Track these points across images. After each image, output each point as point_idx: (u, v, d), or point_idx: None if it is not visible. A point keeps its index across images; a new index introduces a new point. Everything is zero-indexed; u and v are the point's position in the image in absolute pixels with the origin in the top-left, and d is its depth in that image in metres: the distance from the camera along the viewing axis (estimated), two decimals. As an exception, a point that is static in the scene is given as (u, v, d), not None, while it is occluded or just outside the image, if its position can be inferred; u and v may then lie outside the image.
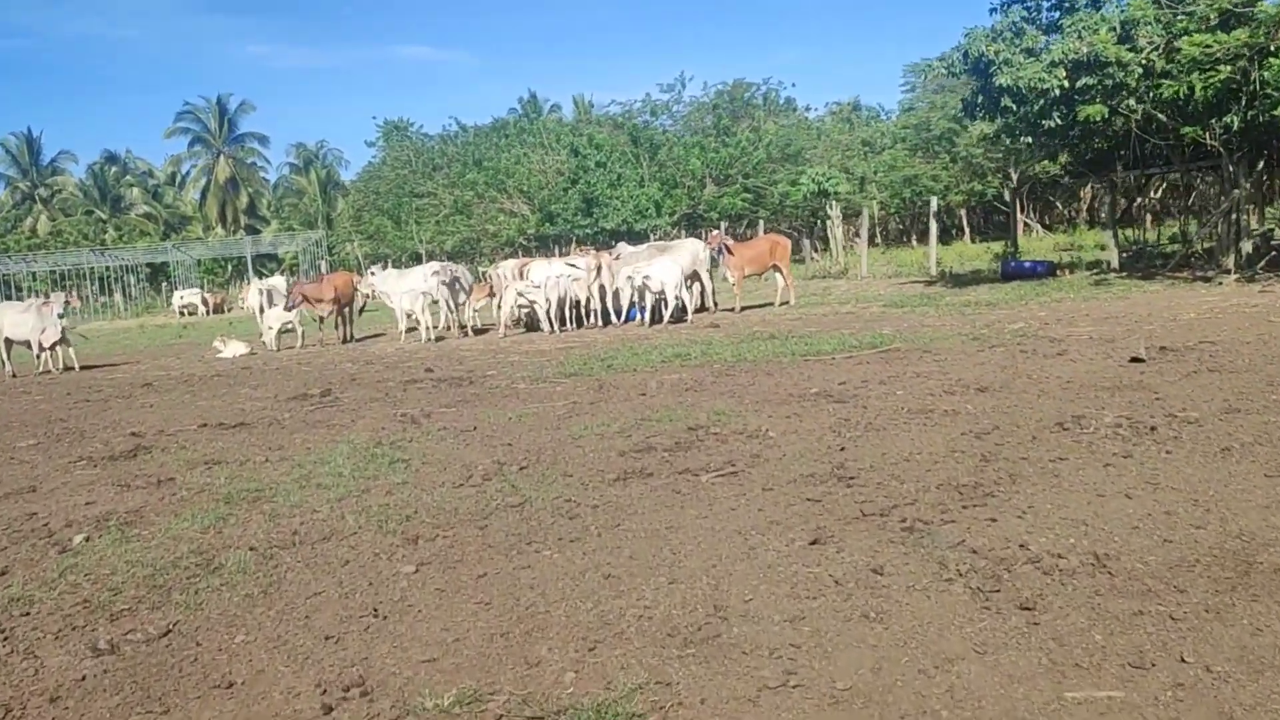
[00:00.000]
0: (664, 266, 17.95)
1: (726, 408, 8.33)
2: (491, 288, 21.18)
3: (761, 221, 35.02)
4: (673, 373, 11.01)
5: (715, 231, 19.56)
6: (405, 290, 19.58)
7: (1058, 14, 17.30)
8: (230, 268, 66.56)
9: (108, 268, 57.70)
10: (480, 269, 39.59)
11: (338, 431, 8.84)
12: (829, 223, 28.82)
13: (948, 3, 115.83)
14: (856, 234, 30.59)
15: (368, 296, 20.69)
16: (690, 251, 19.25)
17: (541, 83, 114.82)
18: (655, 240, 29.96)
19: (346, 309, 20.01)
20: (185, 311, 44.22)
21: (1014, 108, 16.32)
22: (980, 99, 17.29)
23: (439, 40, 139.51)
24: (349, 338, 19.97)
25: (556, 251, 46.99)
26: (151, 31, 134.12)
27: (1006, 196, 53.47)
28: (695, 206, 45.31)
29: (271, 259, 68.84)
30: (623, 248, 19.33)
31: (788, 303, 19.51)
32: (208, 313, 44.15)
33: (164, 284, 58.32)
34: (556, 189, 46.07)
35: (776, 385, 9.45)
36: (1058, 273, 20.15)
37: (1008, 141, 18.18)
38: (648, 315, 17.94)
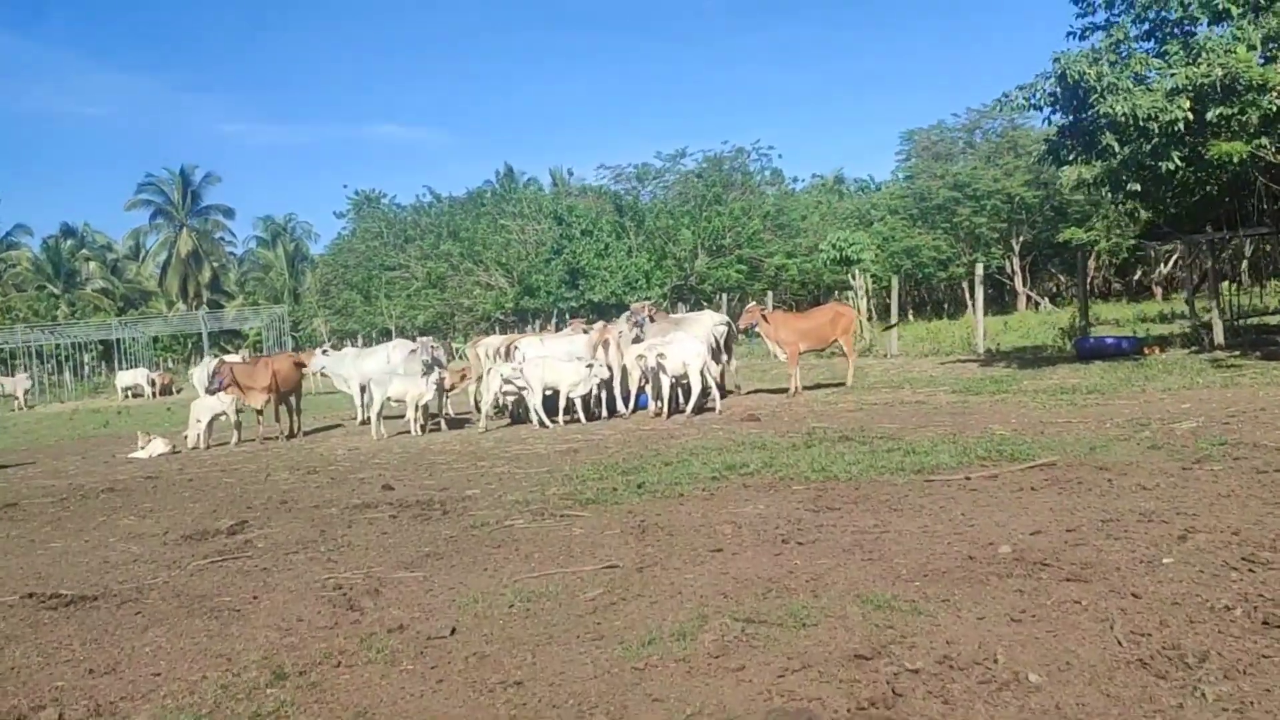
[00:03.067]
0: (683, 343, 14.62)
1: (884, 593, 4.88)
2: (467, 369, 17.75)
3: (769, 294, 31.64)
4: (739, 500, 7.56)
5: (752, 304, 16.27)
6: (374, 372, 16.13)
7: (1152, 42, 14.36)
8: (190, 345, 62.85)
9: (58, 345, 54.09)
10: (455, 345, 36.07)
11: (223, 626, 5.30)
12: (851, 295, 25.64)
13: (932, 79, 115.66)
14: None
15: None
16: (708, 325, 15.94)
17: (517, 159, 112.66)
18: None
19: (292, 398, 16.43)
20: (130, 394, 40.49)
21: (1116, 147, 13.20)
22: (1069, 139, 14.21)
23: (411, 118, 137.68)
24: (295, 431, 16.38)
25: (537, 326, 43.67)
26: (122, 108, 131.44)
27: (1009, 268, 51.18)
28: (687, 278, 42.28)
29: (236, 335, 65.43)
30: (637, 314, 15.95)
31: (842, 384, 16.19)
32: (154, 394, 40.30)
33: (118, 363, 54.61)
34: (538, 260, 42.93)
35: (927, 535, 6.01)
36: (1145, 351, 16.93)
37: (1104, 191, 14.96)
38: (665, 404, 14.56)
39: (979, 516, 6.40)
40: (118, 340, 57.07)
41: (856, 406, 13.65)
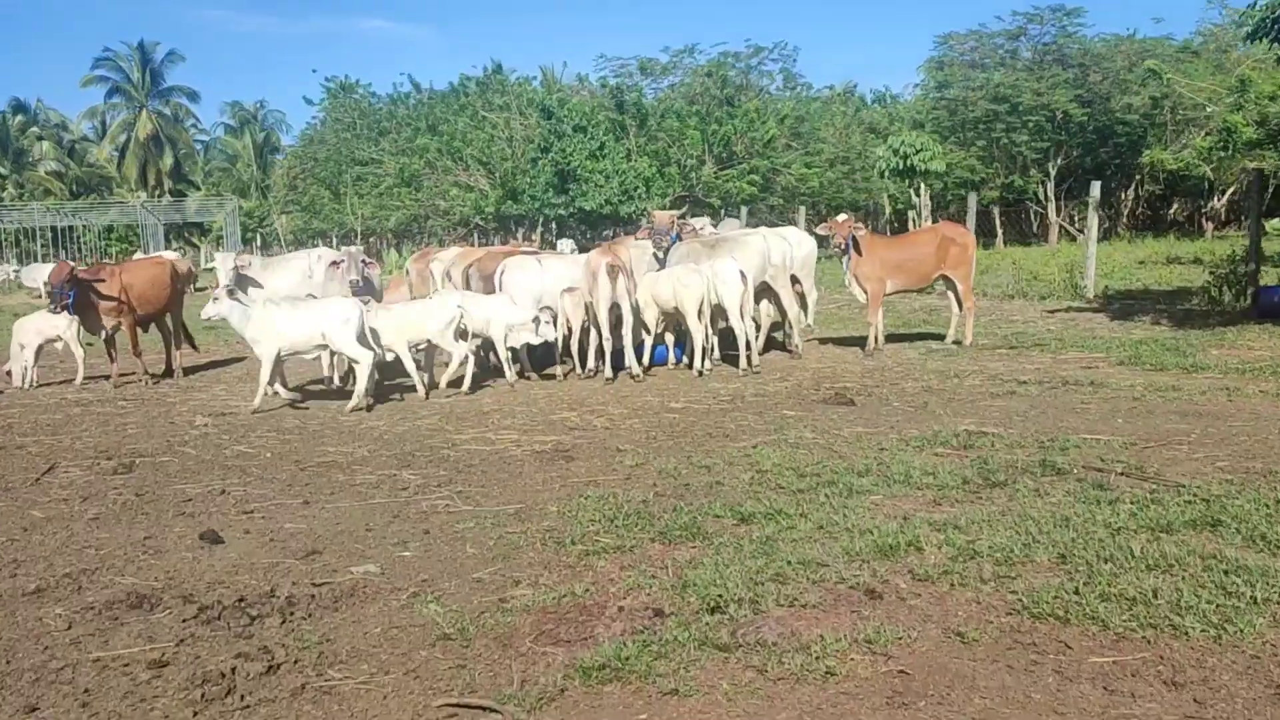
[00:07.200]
0: (725, 275, 9.94)
1: None
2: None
3: (802, 210, 26.41)
4: None
5: (842, 216, 11.28)
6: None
7: None
8: (150, 237, 57.58)
9: (4, 230, 49.64)
10: (389, 262, 30.58)
11: None
12: (914, 214, 20.78)
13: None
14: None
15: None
16: (758, 250, 11.07)
17: (507, 59, 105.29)
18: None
19: (168, 320, 11.61)
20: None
21: None
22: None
23: (400, 14, 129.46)
24: (170, 370, 11.61)
25: (519, 236, 38.40)
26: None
27: (1042, 195, 45.81)
28: (692, 188, 37.08)
29: (200, 229, 60.19)
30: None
31: (960, 341, 11.48)
32: (78, 292, 35.28)
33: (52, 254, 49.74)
34: (523, 159, 37.62)
35: None
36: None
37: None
38: (698, 360, 9.96)
39: None
40: (68, 228, 52.20)
41: (995, 386, 8.97)
